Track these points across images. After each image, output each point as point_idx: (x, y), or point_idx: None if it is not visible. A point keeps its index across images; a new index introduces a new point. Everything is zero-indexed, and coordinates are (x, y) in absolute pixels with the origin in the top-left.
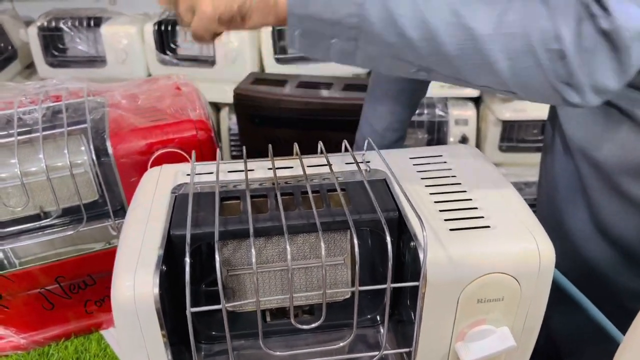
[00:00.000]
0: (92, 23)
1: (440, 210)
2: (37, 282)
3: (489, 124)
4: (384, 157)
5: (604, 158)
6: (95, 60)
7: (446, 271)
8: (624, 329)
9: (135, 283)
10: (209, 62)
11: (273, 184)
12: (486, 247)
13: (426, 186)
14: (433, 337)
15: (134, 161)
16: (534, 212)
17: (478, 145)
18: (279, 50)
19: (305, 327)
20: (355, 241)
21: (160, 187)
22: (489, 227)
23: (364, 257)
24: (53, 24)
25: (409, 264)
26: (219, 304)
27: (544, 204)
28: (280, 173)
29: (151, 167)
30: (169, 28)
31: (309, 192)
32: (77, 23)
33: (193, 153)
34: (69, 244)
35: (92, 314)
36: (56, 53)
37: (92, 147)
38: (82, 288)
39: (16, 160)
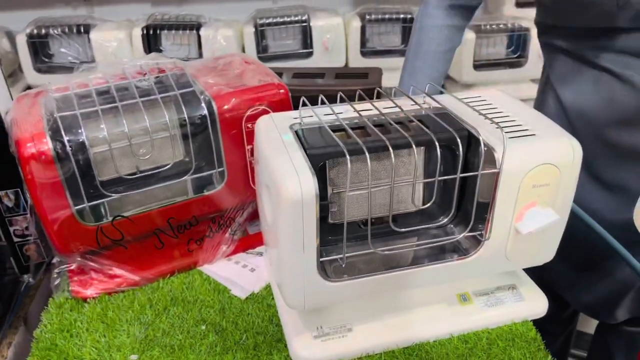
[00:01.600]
0: (81, 29)
1: (496, 128)
2: (154, 223)
3: None
4: (438, 99)
5: (595, 113)
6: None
7: (513, 163)
8: None
9: (301, 184)
10: None
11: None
12: (536, 146)
13: (479, 115)
14: (501, 219)
15: (233, 117)
16: None
17: None
18: (262, 49)
19: (402, 229)
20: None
21: (279, 127)
22: (534, 134)
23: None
24: (42, 31)
25: (476, 168)
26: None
27: None
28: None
29: (245, 122)
30: (157, 32)
31: (392, 122)
32: (66, 30)
33: (302, 99)
34: (179, 191)
35: (192, 252)
36: (45, 59)
37: (204, 105)
38: (187, 228)
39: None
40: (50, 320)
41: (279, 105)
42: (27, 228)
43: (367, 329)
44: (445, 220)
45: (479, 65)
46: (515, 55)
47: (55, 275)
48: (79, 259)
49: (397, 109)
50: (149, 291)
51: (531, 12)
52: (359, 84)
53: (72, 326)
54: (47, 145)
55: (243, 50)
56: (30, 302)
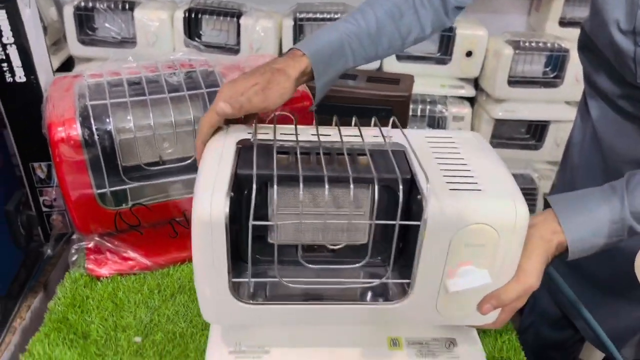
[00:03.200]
0: (126, 6)
1: (444, 175)
2: (170, 213)
3: (482, 121)
4: (405, 134)
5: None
6: (125, 42)
7: (443, 218)
8: None
9: (212, 204)
10: (234, 50)
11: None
12: (475, 203)
13: (435, 158)
14: (428, 272)
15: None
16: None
17: None
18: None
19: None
20: (376, 191)
21: (227, 141)
22: (480, 190)
23: (381, 211)
24: (89, 4)
25: (414, 214)
26: (265, 236)
27: (565, 187)
28: (321, 138)
29: None
30: (198, 16)
31: (345, 153)
32: (112, 5)
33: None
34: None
35: None
36: (89, 32)
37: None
38: None
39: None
40: (65, 294)
41: (302, 113)
42: (55, 200)
43: (285, 355)
44: (379, 261)
45: (514, 82)
46: (552, 75)
47: (74, 251)
48: (97, 238)
49: (359, 139)
50: (159, 277)
51: (574, 33)
52: (389, 89)
53: (83, 302)
54: (77, 131)
55: (280, 43)
56: (52, 270)
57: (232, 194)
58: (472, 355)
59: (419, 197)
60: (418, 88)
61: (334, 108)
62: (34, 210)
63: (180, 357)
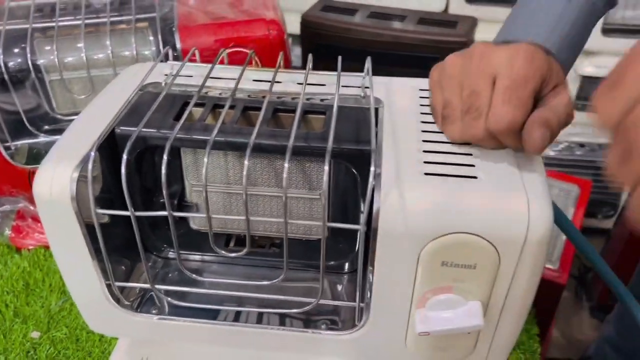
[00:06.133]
0: None
1: (425, 151)
2: None
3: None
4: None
5: None
6: None
7: (402, 220)
8: None
9: (53, 177)
10: None
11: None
12: (460, 199)
13: (422, 122)
14: (389, 295)
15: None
16: None
17: None
18: None
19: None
20: (326, 170)
21: (132, 82)
22: (475, 177)
23: (337, 194)
24: None
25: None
26: (185, 220)
27: None
28: (278, 87)
29: None
30: None
31: (294, 109)
32: None
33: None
34: None
35: None
36: None
37: (160, 38)
38: None
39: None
40: None
41: (268, 49)
42: None
43: None
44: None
45: (609, 30)
46: None
47: None
48: (23, 202)
49: (326, 90)
50: None
51: None
52: (442, 33)
53: None
54: None
55: None
56: None
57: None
58: None
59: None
60: (482, 35)
61: (378, 55)
62: None
63: None
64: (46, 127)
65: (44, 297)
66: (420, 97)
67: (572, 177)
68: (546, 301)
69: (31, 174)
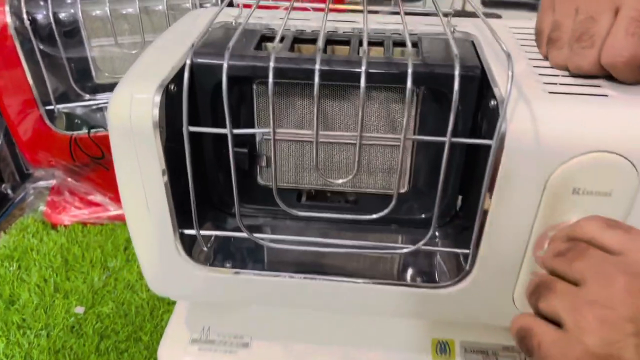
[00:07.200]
0: None
1: (541, 74)
2: None
3: None
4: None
5: None
6: None
7: (533, 141)
8: None
9: (132, 103)
10: None
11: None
12: (595, 117)
13: (525, 52)
14: (502, 237)
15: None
16: None
17: None
18: None
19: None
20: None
21: (200, 22)
22: (605, 95)
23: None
24: None
25: (485, 133)
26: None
27: None
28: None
29: None
30: None
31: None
32: None
33: None
34: None
35: None
36: None
37: None
38: None
39: None
40: (7, 244)
41: None
42: None
43: (271, 352)
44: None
45: None
46: None
47: (32, 191)
48: (59, 176)
49: (410, 28)
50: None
51: None
52: None
53: (25, 255)
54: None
55: None
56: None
57: (174, 87)
58: None
59: (492, 103)
60: None
61: None
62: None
63: (127, 342)
64: (87, 96)
65: (85, 272)
66: (514, 33)
67: None
68: None
69: (73, 141)
